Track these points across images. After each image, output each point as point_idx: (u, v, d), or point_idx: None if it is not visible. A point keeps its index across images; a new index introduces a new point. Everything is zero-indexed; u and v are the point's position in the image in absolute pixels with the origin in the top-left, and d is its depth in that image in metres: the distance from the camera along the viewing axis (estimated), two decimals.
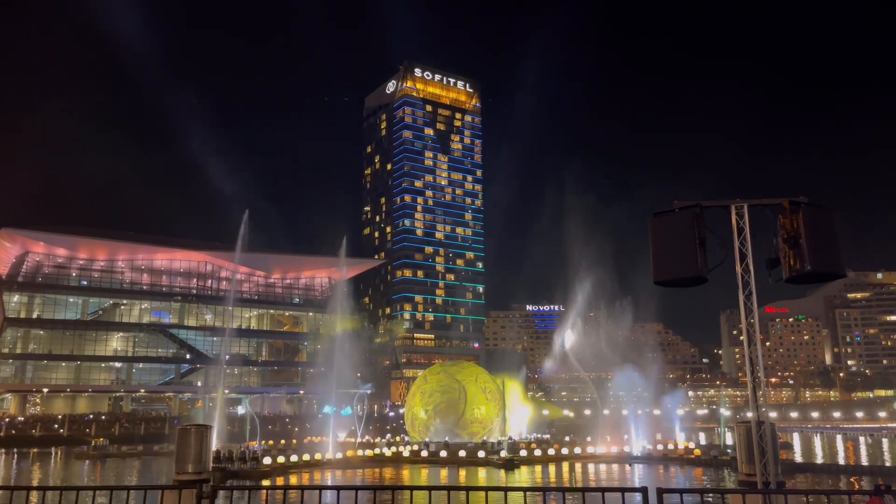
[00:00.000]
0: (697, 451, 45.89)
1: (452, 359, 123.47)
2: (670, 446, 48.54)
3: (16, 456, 57.43)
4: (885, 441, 71.71)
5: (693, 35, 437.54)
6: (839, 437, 79.23)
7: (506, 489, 9.77)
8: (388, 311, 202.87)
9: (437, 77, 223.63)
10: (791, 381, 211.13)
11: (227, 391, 67.07)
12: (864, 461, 50.09)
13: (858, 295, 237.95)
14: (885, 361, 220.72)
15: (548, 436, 60.68)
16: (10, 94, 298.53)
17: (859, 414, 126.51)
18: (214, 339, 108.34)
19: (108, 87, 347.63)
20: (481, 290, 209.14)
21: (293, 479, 38.35)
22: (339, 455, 45.33)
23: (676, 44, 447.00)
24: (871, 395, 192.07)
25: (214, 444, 41.00)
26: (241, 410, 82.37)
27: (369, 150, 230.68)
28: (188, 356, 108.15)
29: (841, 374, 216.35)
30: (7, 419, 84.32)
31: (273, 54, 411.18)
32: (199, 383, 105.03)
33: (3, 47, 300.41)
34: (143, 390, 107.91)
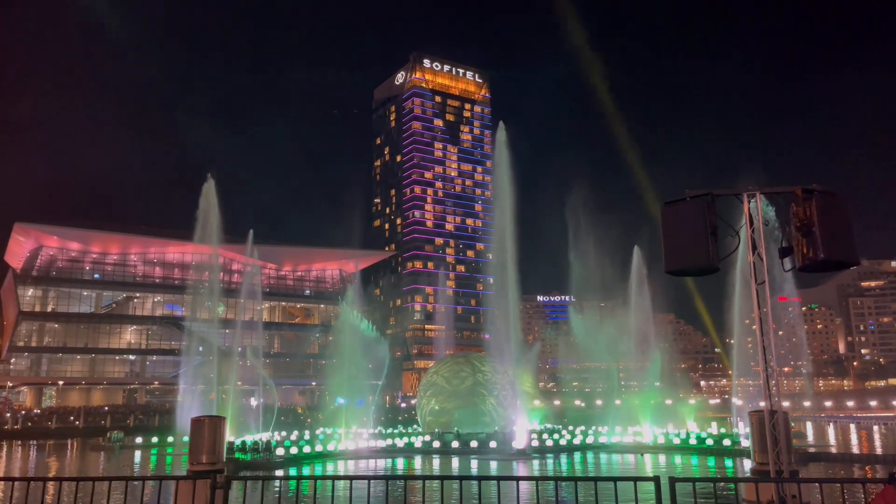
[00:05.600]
0: (710, 441, 45.79)
1: (463, 350, 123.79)
2: (682, 436, 48.46)
3: (33, 448, 58.11)
4: None
5: (703, 21, 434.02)
6: (853, 426, 78.79)
7: (518, 479, 9.82)
8: (398, 302, 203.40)
9: (446, 68, 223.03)
10: (804, 371, 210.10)
11: (239, 383, 67.39)
12: (879, 450, 49.83)
13: (872, 283, 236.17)
14: None
15: (559, 426, 60.71)
16: (22, 90, 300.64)
17: (873, 403, 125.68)
18: (227, 331, 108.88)
19: (116, 83, 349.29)
20: (492, 280, 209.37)
21: (306, 470, 38.61)
22: (352, 446, 45.59)
23: (685, 30, 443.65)
24: (884, 384, 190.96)
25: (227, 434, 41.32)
26: (253, 402, 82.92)
27: (378, 141, 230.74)
28: (201, 348, 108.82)
29: (854, 363, 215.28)
30: (23, 412, 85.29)
31: (281, 48, 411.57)
32: (213, 375, 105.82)
33: (14, 42, 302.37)
34: (156, 382, 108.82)
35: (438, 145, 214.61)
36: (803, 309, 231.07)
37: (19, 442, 64.83)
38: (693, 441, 46.32)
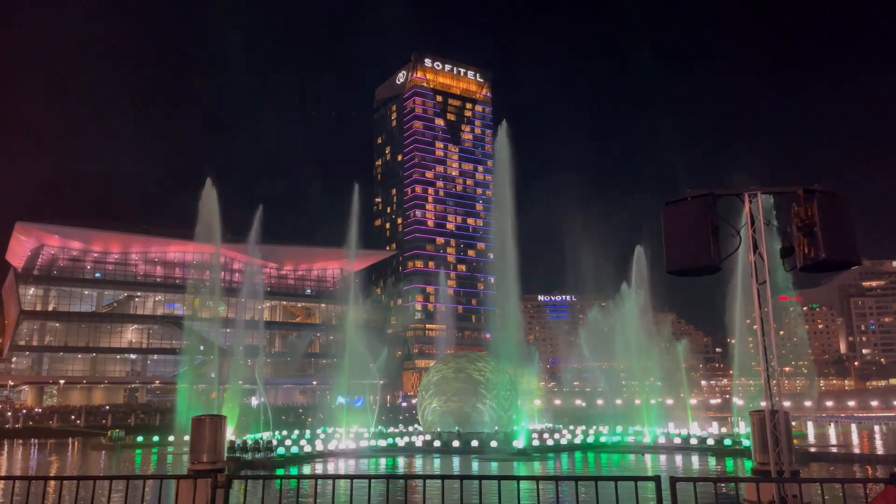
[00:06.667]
0: (711, 441, 45.77)
1: (464, 349, 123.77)
2: (683, 435, 48.45)
3: (34, 447, 58.15)
4: None
5: (705, 21, 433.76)
6: (854, 426, 78.75)
7: (518, 478, 9.82)
8: (399, 301, 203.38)
9: (447, 67, 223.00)
10: (805, 371, 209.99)
11: (240, 382, 67.43)
12: (880, 450, 49.78)
13: (873, 283, 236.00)
14: None
15: (560, 426, 60.70)
16: (23, 90, 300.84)
17: (874, 403, 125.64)
18: (228, 330, 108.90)
19: (118, 83, 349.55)
20: (493, 280, 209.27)
21: (306, 469, 38.61)
22: (352, 445, 45.58)
23: (687, 30, 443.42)
24: (886, 384, 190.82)
25: (229, 434, 41.31)
26: (254, 401, 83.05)
27: (380, 141, 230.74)
28: (202, 347, 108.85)
29: (856, 363, 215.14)
30: (24, 411, 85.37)
31: (282, 47, 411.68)
32: (213, 374, 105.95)
33: (15, 42, 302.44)
34: (157, 381, 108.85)
35: (439, 145, 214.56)
36: (804, 309, 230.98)
37: (20, 441, 64.86)
38: (694, 441, 46.30)
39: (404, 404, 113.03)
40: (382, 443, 47.57)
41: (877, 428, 75.11)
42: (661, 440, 47.53)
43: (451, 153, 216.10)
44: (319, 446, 44.65)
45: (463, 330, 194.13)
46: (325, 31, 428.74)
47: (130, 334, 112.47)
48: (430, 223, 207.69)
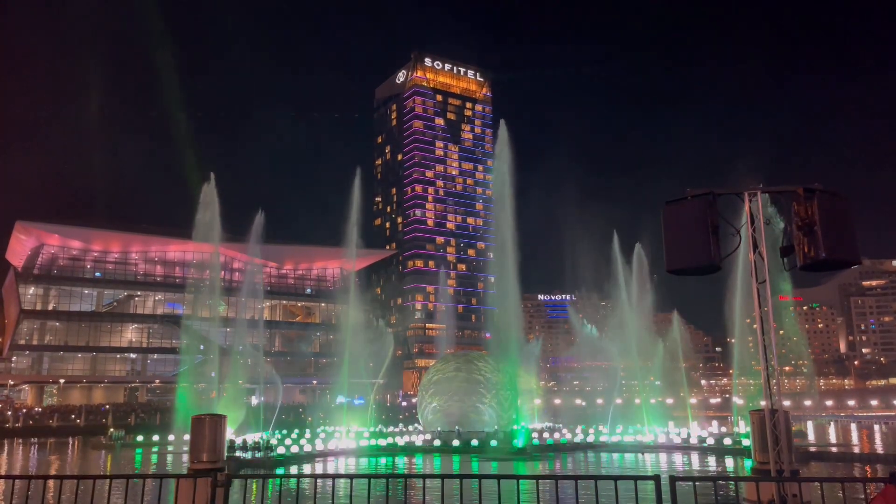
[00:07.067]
0: (711, 440, 45.77)
1: (464, 348, 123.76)
2: (683, 435, 48.45)
3: (34, 446, 58.18)
4: None
5: (704, 21, 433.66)
6: (854, 426, 78.75)
7: (518, 477, 9.82)
8: (399, 301, 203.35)
9: (448, 66, 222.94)
10: (805, 370, 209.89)
11: (240, 381, 67.50)
12: (879, 449, 49.78)
13: (873, 283, 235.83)
14: None
15: (560, 425, 60.70)
16: (23, 90, 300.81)
17: (874, 402, 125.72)
18: (228, 329, 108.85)
19: (118, 83, 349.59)
20: (492, 279, 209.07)
21: (306, 468, 38.63)
22: (352, 444, 45.58)
23: (686, 30, 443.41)
24: (885, 383, 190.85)
25: (228, 433, 41.36)
26: (254, 400, 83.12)
27: (380, 140, 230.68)
28: (202, 347, 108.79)
29: (856, 363, 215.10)
30: (25, 410, 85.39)
31: (282, 47, 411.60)
32: (213, 374, 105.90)
33: (14, 42, 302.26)
34: (157, 381, 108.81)
35: (439, 144, 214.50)
36: (804, 308, 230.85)
37: (20, 440, 64.89)
38: (694, 440, 46.30)
39: (404, 403, 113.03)
40: (382, 442, 47.59)
41: (876, 427, 75.10)
42: (661, 439, 47.53)
43: (451, 152, 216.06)
44: (319, 445, 44.66)
45: (463, 329, 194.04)
46: (326, 30, 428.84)
47: (130, 333, 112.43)
48: (430, 222, 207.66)
